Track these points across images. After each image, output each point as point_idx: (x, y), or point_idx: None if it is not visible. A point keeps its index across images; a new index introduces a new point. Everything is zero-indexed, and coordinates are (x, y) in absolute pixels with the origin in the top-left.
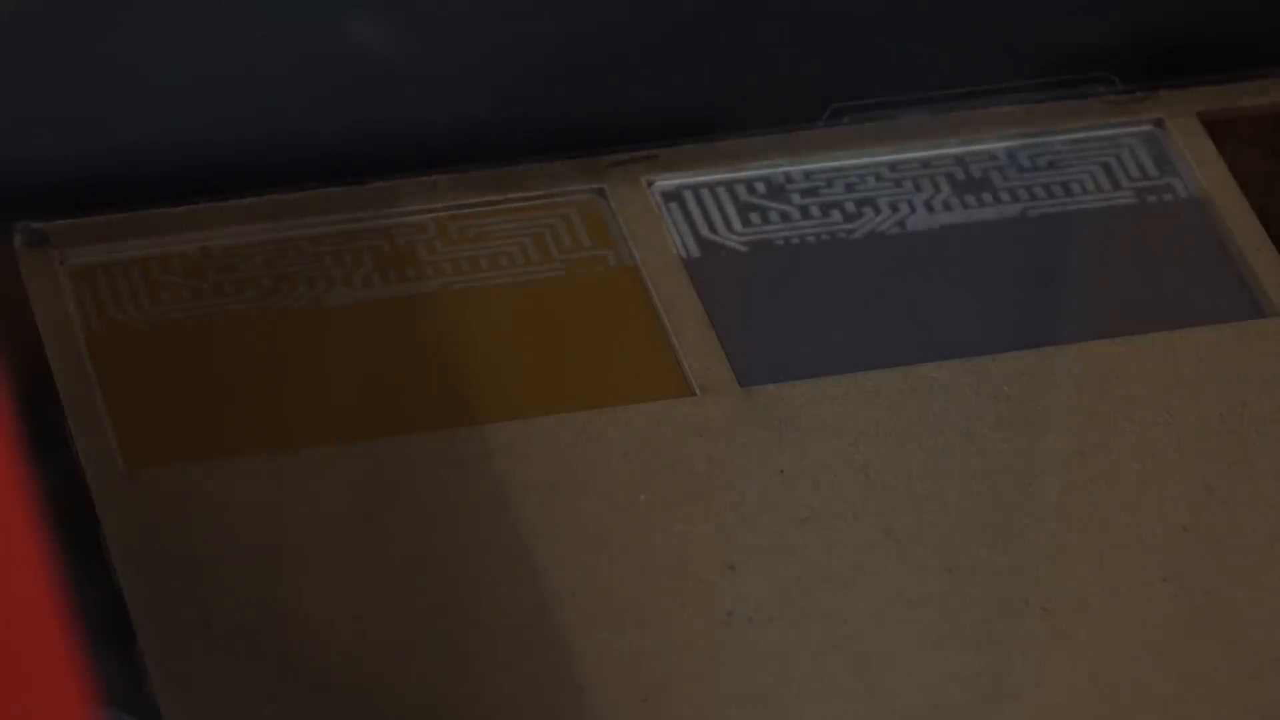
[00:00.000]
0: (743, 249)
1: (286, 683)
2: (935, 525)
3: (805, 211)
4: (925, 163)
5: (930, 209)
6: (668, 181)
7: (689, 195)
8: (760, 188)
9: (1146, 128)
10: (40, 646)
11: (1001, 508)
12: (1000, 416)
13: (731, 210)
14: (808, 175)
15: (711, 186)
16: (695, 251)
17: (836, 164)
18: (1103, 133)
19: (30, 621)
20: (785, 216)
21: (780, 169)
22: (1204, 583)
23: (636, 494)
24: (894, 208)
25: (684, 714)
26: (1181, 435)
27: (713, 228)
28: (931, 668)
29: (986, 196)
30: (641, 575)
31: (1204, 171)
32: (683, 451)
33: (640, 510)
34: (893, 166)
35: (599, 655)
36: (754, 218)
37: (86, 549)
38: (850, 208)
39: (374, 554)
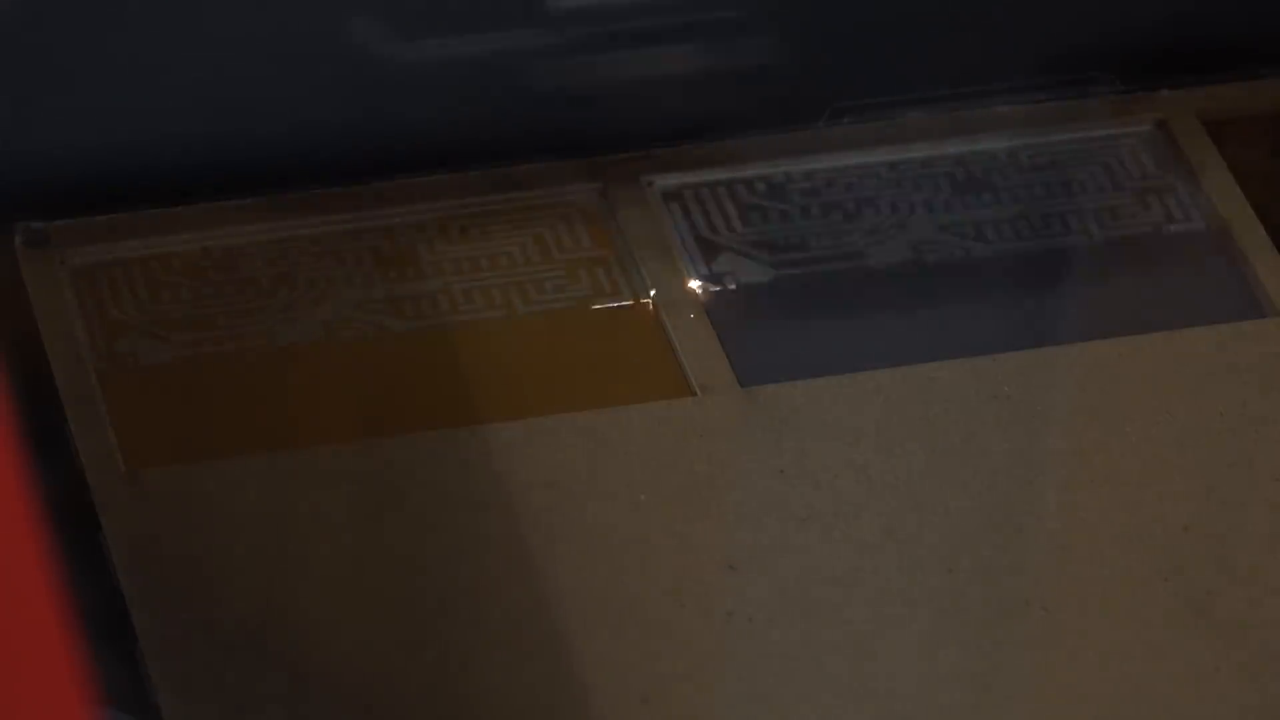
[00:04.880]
0: (743, 249)
1: (286, 683)
2: (935, 525)
3: (805, 211)
4: (925, 163)
5: (930, 209)
6: (668, 181)
7: (689, 195)
8: (761, 187)
9: (1147, 128)
10: (40, 646)
11: (1001, 508)
12: (1000, 416)
13: (732, 210)
14: (808, 175)
15: (712, 186)
16: (695, 251)
17: (837, 164)
18: (1103, 133)
19: (30, 621)
20: (785, 216)
21: (780, 169)
22: (1204, 583)
23: (636, 494)
24: (894, 208)
25: (684, 714)
26: (1181, 435)
27: (713, 228)
28: (931, 668)
29: (987, 196)
30: (642, 575)
31: (1204, 172)
32: (683, 451)
33: (640, 510)
34: (893, 166)
35: (599, 655)
36: (754, 217)
37: (86, 549)
38: (850, 208)
39: (374, 554)
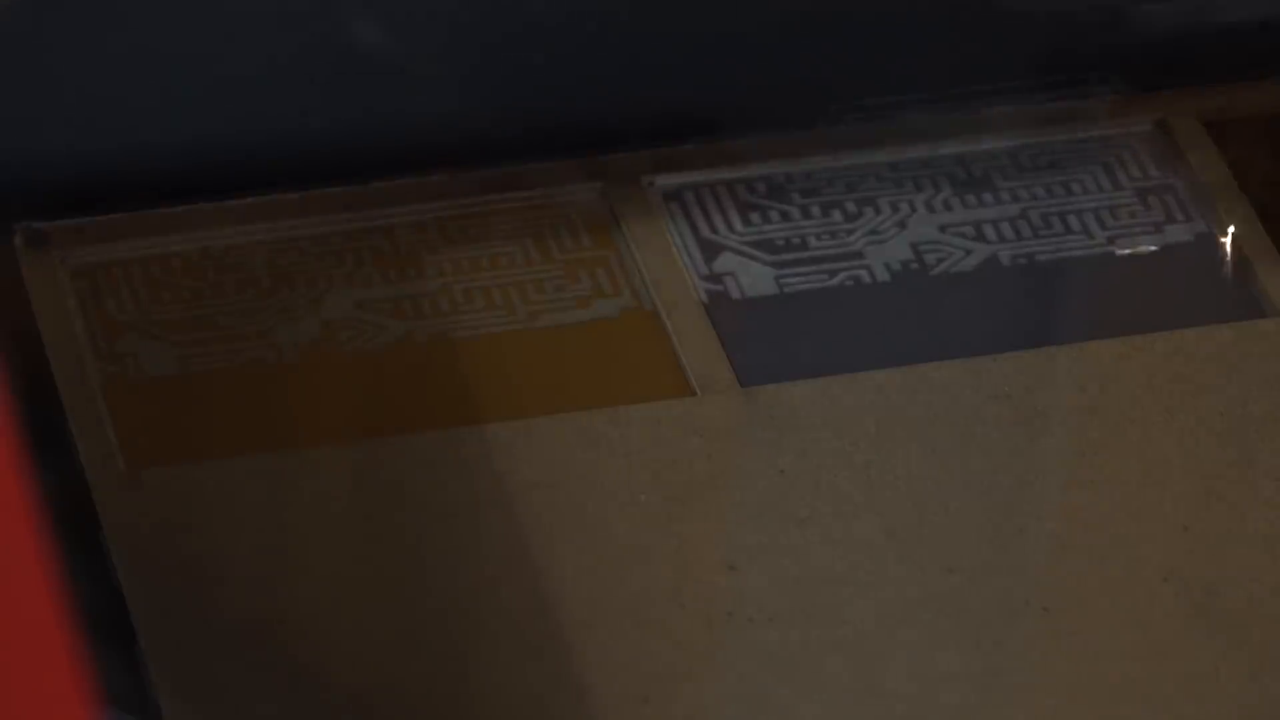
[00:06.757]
0: (743, 249)
1: (286, 683)
2: (935, 525)
3: (806, 211)
4: (925, 163)
5: (930, 209)
6: (668, 181)
7: (689, 195)
8: (761, 187)
9: (1147, 128)
10: (40, 646)
11: (1001, 508)
12: (1000, 416)
13: (732, 210)
14: (808, 175)
15: (712, 186)
16: (696, 251)
17: (837, 164)
18: (1103, 133)
19: (30, 621)
20: (786, 216)
21: (781, 169)
22: (1204, 583)
23: (636, 494)
24: (894, 208)
25: (684, 714)
26: (1181, 435)
27: (713, 228)
28: (931, 668)
29: (987, 196)
30: (641, 575)
31: (1204, 171)
32: (683, 451)
33: (640, 510)
34: (893, 166)
35: (599, 655)
36: (754, 217)
37: (86, 549)
38: (851, 208)
39: (374, 554)
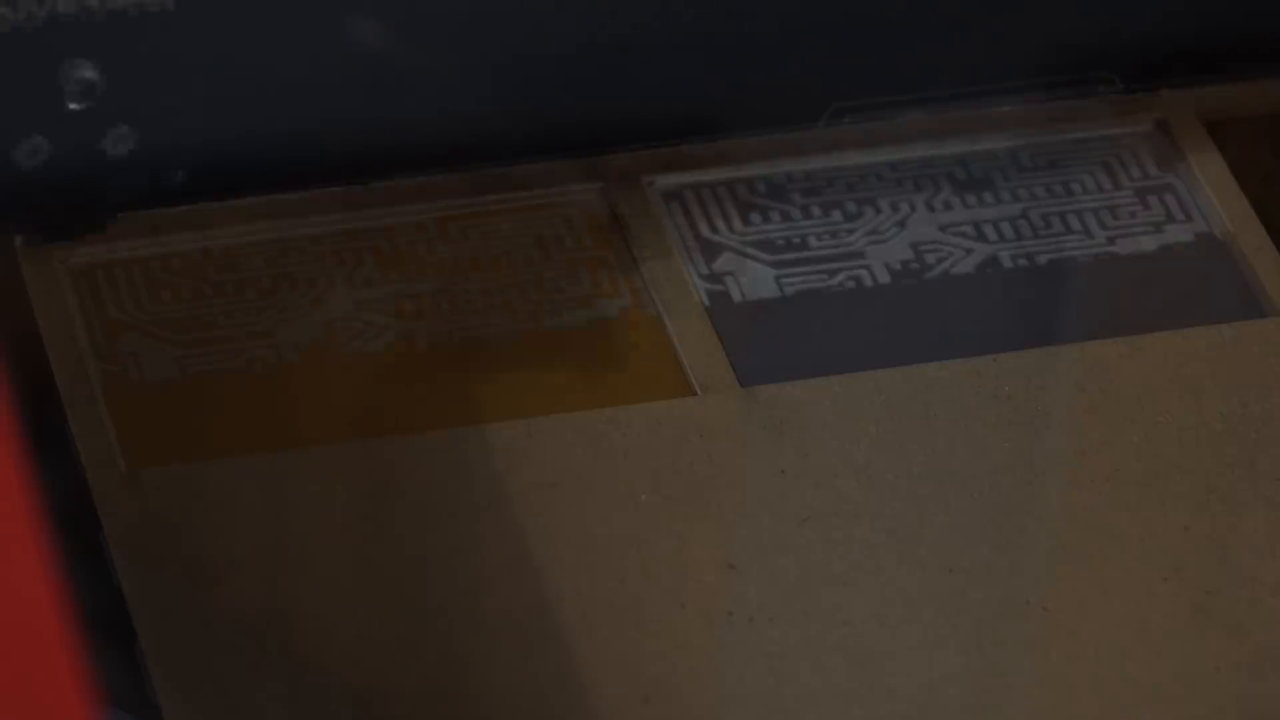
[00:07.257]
0: (743, 249)
1: (287, 683)
2: (935, 525)
3: (806, 211)
4: (925, 163)
5: (931, 209)
6: (668, 181)
7: (690, 195)
8: (761, 187)
9: (1147, 128)
10: (40, 646)
11: (1001, 508)
12: (1000, 416)
13: (732, 210)
14: (808, 175)
15: (712, 186)
16: (696, 251)
17: (837, 164)
18: (1103, 133)
19: (30, 621)
20: (786, 216)
21: (781, 169)
22: (1204, 583)
23: (636, 494)
24: (894, 208)
25: (684, 714)
26: (1181, 435)
27: (713, 228)
28: (931, 668)
29: (987, 196)
30: (641, 575)
31: (1205, 171)
32: (683, 451)
33: (640, 510)
34: (893, 166)
35: (599, 655)
36: (755, 217)
37: (87, 549)
38: (851, 208)
39: (374, 554)
